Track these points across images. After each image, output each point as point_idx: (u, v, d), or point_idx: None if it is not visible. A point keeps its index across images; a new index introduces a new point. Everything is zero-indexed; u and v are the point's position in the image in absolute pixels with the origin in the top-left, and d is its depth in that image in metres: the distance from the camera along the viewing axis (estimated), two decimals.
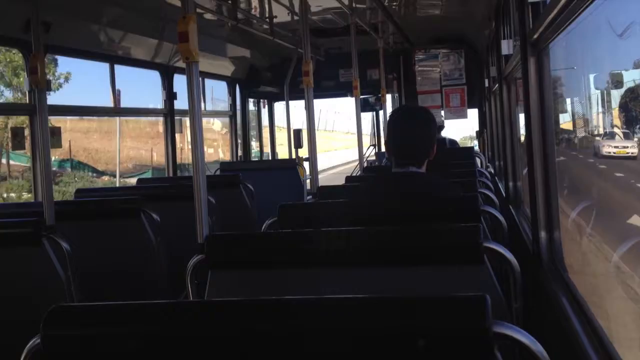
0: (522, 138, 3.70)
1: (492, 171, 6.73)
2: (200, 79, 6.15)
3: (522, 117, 3.46)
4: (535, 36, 2.22)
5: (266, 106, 9.04)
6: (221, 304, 1.20)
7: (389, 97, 8.41)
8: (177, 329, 1.11)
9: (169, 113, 6.12)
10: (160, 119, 6.24)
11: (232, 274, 1.81)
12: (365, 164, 6.67)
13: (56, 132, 4.51)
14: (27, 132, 4.36)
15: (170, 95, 6.11)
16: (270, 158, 8.97)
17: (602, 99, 2.50)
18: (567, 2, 1.68)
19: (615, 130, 2.49)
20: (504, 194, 4.80)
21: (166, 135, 6.19)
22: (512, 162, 4.53)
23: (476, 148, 8.58)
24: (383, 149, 7.09)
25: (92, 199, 4.06)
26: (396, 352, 1.02)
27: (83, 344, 1.13)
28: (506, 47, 4.11)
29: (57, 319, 1.15)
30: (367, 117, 9.20)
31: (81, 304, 1.36)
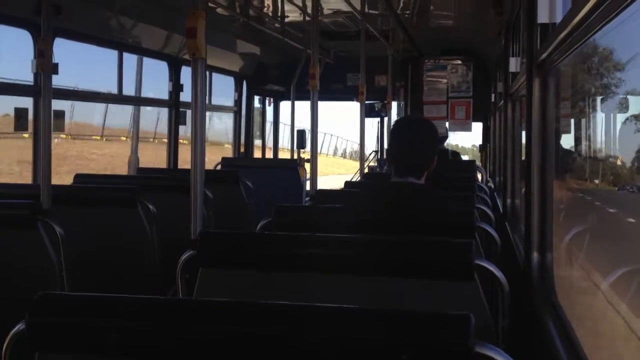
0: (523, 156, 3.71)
1: (492, 186, 6.73)
2: (207, 72, 6.17)
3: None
4: (542, 57, 2.23)
5: (272, 104, 9.04)
6: (206, 303, 1.20)
7: (394, 104, 8.42)
8: (163, 326, 1.12)
9: (174, 104, 6.13)
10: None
11: (222, 273, 1.81)
12: (366, 170, 6.68)
13: (60, 115, 4.52)
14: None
15: (177, 87, 6.12)
16: (272, 157, 8.98)
17: None
18: (575, 26, 1.68)
19: None
20: (502, 211, 4.81)
21: (170, 127, 6.19)
22: (511, 179, 4.54)
23: (478, 162, 8.59)
24: (385, 155, 7.09)
25: (90, 185, 4.06)
26: None
27: (67, 333, 1.14)
28: (514, 64, 4.11)
29: (43, 306, 1.15)
30: (369, 131, 9.19)
31: (67, 293, 1.36)
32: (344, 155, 35.28)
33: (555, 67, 2.25)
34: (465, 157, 8.56)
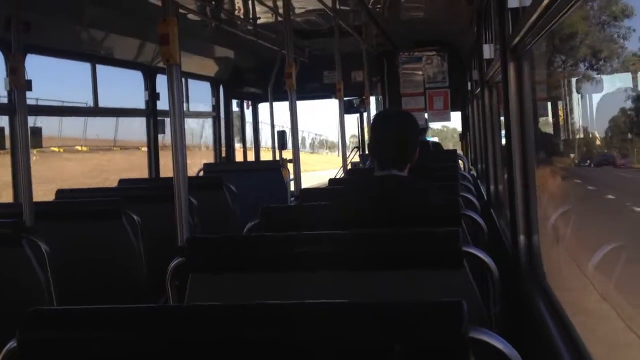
0: (504, 141, 3.74)
1: (475, 174, 6.78)
2: (183, 79, 6.14)
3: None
4: (515, 42, 2.25)
5: (250, 107, 9.02)
6: (200, 308, 1.19)
7: (372, 99, 8.44)
8: (155, 334, 1.11)
9: (151, 113, 6.09)
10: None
11: (213, 278, 1.81)
12: (349, 166, 6.69)
13: (37, 132, 4.47)
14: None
15: (153, 96, 6.09)
16: (254, 159, 8.96)
17: None
18: (545, 8, 1.70)
19: None
20: (486, 197, 4.84)
21: (149, 136, 6.15)
22: (493, 166, 4.57)
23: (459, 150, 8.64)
24: (367, 151, 7.11)
25: (73, 199, 4.03)
26: (373, 357, 1.03)
27: (60, 348, 1.12)
28: (487, 51, 4.14)
29: (34, 322, 1.14)
30: (349, 124, 9.23)
31: (59, 307, 1.35)
32: (312, 148, 35.51)
33: (528, 51, 2.27)
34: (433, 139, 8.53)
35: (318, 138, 35.47)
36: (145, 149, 6.26)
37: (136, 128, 6.28)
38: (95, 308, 1.15)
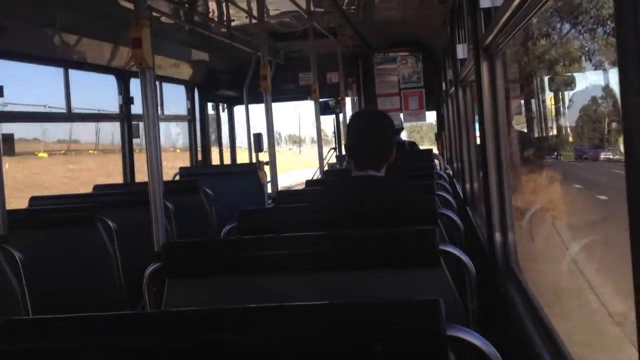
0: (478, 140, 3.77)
1: (451, 173, 6.82)
2: (157, 83, 6.09)
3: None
4: (487, 41, 2.27)
5: (225, 110, 8.99)
6: (177, 314, 1.19)
7: (348, 100, 8.46)
8: (133, 341, 1.10)
9: (125, 118, 6.04)
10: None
11: (190, 282, 1.80)
12: (326, 167, 6.70)
13: (9, 139, 4.40)
14: None
15: (127, 100, 6.03)
16: (230, 162, 8.93)
17: None
18: (516, 7, 1.72)
19: None
20: (462, 196, 4.88)
21: (123, 140, 6.09)
22: (469, 164, 4.60)
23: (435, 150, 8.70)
24: (344, 152, 7.11)
25: (47, 207, 3.98)
26: (351, 357, 1.03)
27: (37, 358, 1.11)
28: (461, 51, 4.18)
29: (7, 333, 1.12)
30: (326, 122, 9.23)
31: (32, 318, 1.33)
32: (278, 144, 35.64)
33: (501, 50, 2.29)
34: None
35: (283, 134, 35.72)
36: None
37: (114, 131, 6.20)
38: (70, 317, 1.14)
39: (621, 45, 0.85)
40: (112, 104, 6.13)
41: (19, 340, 1.11)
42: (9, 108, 4.67)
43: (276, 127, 8.84)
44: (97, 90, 6.19)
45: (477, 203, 4.17)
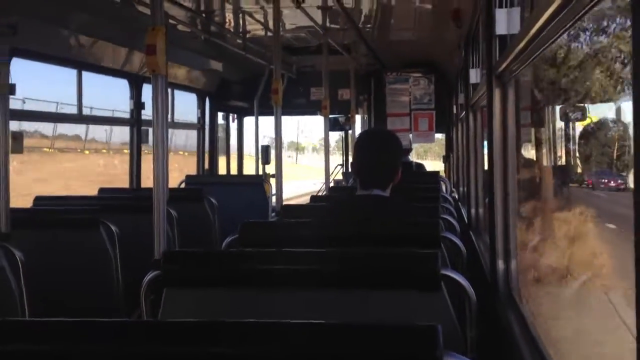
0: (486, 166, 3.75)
1: (456, 197, 6.80)
2: (169, 90, 6.11)
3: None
4: (501, 69, 2.26)
5: (235, 120, 9.01)
6: (173, 324, 1.18)
7: (358, 117, 8.47)
8: (127, 349, 1.09)
9: (135, 123, 6.06)
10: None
11: (188, 292, 1.78)
12: (332, 184, 6.69)
13: (18, 138, 4.42)
14: None
15: (138, 105, 6.05)
16: (236, 172, 8.94)
17: None
18: (532, 37, 1.71)
19: None
20: (467, 221, 4.85)
21: (132, 145, 6.11)
22: (475, 189, 4.59)
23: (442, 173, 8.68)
24: (350, 169, 7.10)
25: (51, 207, 3.98)
26: None
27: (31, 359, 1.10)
28: (474, 75, 4.18)
29: (4, 333, 1.12)
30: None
31: (28, 320, 1.32)
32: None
33: (514, 78, 2.29)
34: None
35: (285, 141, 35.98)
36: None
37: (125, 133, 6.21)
38: (66, 321, 1.13)
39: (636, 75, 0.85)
40: (123, 108, 6.16)
41: (14, 341, 1.11)
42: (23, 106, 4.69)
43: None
44: (108, 94, 6.22)
45: (481, 229, 4.15)
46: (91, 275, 3.27)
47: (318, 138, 37.33)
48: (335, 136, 9.86)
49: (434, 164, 20.92)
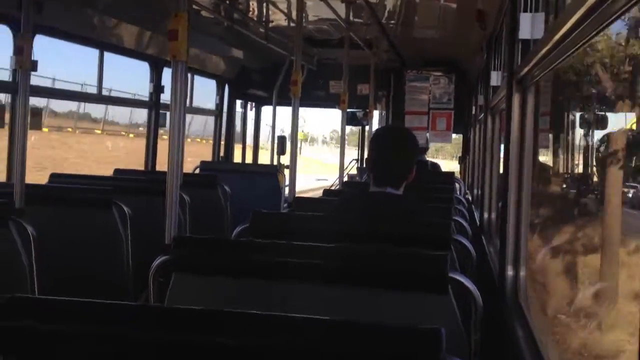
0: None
1: (470, 199, 6.77)
2: (188, 74, 6.14)
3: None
4: (522, 73, 2.25)
5: (253, 109, 9.01)
6: (177, 311, 1.18)
7: (376, 113, 8.45)
8: (131, 332, 1.10)
9: (154, 106, 6.08)
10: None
11: (196, 279, 1.79)
12: (346, 178, 6.68)
13: (37, 114, 4.46)
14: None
15: (158, 88, 6.08)
16: (251, 162, 8.95)
17: None
18: (556, 43, 1.70)
19: None
20: (479, 224, 4.83)
21: (149, 128, 6.14)
22: (489, 193, 4.56)
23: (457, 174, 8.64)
24: (365, 164, 7.09)
25: (65, 185, 4.01)
26: None
27: (36, 337, 1.11)
28: (495, 78, 4.15)
29: (11, 309, 1.13)
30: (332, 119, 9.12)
31: (37, 297, 1.34)
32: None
33: (535, 83, 2.27)
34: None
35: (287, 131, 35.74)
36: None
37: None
38: (73, 301, 1.14)
39: None
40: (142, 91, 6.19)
41: (23, 317, 1.12)
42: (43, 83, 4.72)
43: (284, 124, 8.80)
44: (128, 76, 6.23)
45: (492, 233, 4.13)
46: (101, 255, 3.30)
47: (331, 129, 36.57)
48: (347, 130, 9.82)
49: (446, 163, 20.78)
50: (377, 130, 3.06)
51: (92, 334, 1.10)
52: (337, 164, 6.13)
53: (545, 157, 3.08)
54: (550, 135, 3.23)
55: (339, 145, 6.31)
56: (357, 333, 1.06)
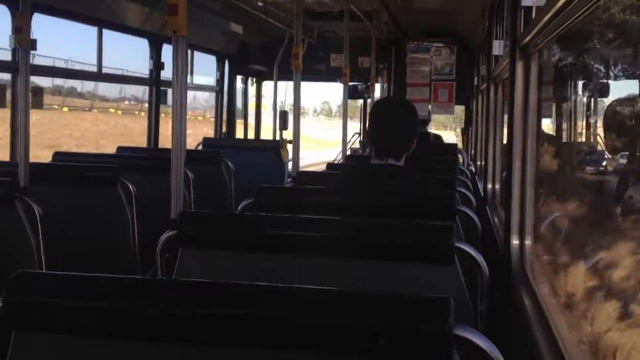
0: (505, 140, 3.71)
1: (473, 170, 6.77)
2: (188, 51, 6.10)
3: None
4: (525, 41, 2.23)
5: (254, 84, 8.97)
6: (186, 284, 1.19)
7: (377, 86, 8.40)
8: (139, 306, 1.11)
9: (154, 83, 6.06)
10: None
11: (203, 253, 1.81)
12: (349, 152, 6.67)
13: (38, 93, 4.44)
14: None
15: (158, 65, 6.04)
16: (253, 137, 8.93)
17: None
18: (559, 9, 1.68)
19: None
20: (482, 194, 4.83)
21: (150, 105, 6.12)
22: (492, 163, 4.56)
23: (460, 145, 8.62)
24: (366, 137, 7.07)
25: (70, 163, 4.01)
26: (357, 346, 1.03)
27: (45, 312, 1.12)
28: (497, 47, 4.12)
29: (20, 285, 1.14)
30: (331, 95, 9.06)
31: (45, 272, 1.35)
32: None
33: (538, 51, 2.25)
34: None
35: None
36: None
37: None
38: (82, 276, 1.15)
39: None
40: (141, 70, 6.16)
41: (31, 293, 1.13)
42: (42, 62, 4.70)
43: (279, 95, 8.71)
44: (127, 53, 6.20)
45: (497, 203, 4.13)
46: (107, 232, 3.31)
47: (322, 101, 35.79)
48: (338, 102, 9.78)
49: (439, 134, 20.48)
50: (376, 102, 3.05)
51: (100, 308, 1.11)
52: (328, 140, 6.11)
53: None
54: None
55: (329, 118, 6.27)
56: (365, 303, 1.07)
